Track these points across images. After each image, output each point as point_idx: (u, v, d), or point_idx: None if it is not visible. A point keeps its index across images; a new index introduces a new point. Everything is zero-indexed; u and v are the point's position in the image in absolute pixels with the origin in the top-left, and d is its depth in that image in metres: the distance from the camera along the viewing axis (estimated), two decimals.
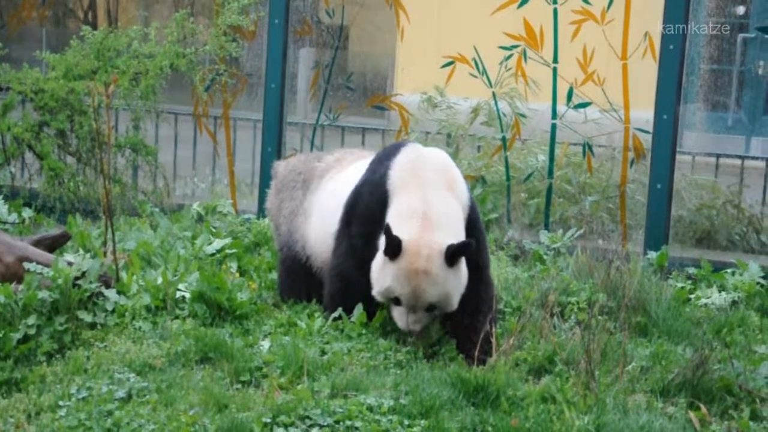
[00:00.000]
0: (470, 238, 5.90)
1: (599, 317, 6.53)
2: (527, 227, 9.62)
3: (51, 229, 8.72)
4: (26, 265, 7.05)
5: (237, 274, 7.89)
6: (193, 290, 7.10)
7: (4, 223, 8.84)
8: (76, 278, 6.95)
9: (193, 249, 8.29)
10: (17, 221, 9.14)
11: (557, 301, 6.96)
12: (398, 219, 5.90)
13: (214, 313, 6.98)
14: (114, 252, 7.53)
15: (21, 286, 6.87)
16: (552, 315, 6.77)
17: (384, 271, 5.90)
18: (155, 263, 8.03)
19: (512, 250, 8.80)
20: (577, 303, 6.98)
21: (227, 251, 8.30)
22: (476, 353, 5.91)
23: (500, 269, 7.88)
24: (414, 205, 5.90)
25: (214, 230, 8.92)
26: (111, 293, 7.03)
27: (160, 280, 7.23)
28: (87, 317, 6.80)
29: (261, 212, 9.89)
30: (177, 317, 6.91)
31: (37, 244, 7.69)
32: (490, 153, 10.13)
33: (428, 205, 5.90)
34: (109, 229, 7.74)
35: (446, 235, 5.84)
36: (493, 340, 6.02)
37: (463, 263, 5.89)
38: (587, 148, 9.63)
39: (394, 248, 5.78)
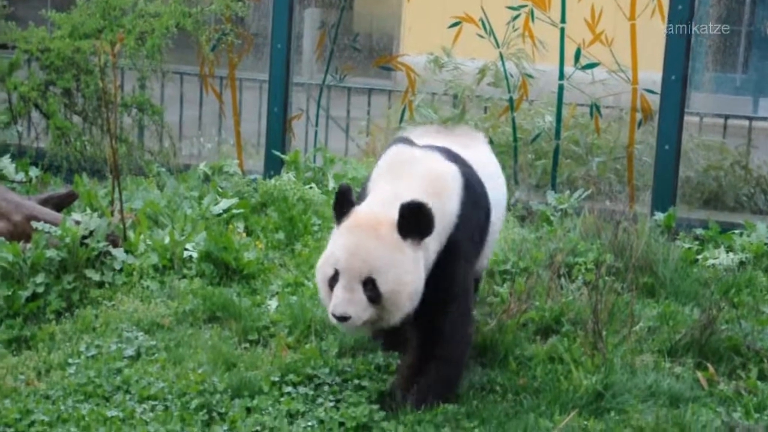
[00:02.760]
0: (447, 262, 4.86)
1: (606, 278, 6.54)
2: (534, 188, 9.60)
3: (58, 188, 8.72)
4: (34, 223, 7.06)
5: (244, 234, 7.89)
6: (201, 250, 7.11)
7: (12, 182, 8.84)
8: (84, 237, 6.96)
9: (200, 209, 8.29)
10: (24, 180, 9.14)
11: (564, 261, 6.97)
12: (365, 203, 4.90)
13: (221, 273, 6.99)
14: (121, 211, 7.53)
15: (29, 245, 6.88)
16: (559, 276, 6.78)
17: (330, 241, 4.90)
18: (162, 223, 8.02)
19: (519, 211, 8.78)
20: (585, 264, 6.98)
21: (234, 211, 8.29)
22: (411, 397, 4.95)
23: (507, 230, 7.87)
24: (385, 194, 4.82)
25: (220, 190, 8.92)
26: (118, 252, 7.04)
27: (167, 240, 7.23)
28: (95, 276, 6.81)
29: (267, 172, 9.88)
30: (184, 277, 6.93)
31: (44, 203, 7.69)
32: (497, 114, 10.09)
33: (399, 197, 4.71)
34: (116, 189, 7.74)
35: None
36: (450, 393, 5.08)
37: (421, 252, 4.68)
38: (595, 108, 9.59)
39: (342, 207, 4.78)
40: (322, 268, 4.73)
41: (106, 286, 6.78)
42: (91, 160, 9.16)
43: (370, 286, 4.52)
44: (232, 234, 7.48)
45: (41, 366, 5.60)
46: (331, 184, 9.14)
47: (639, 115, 9.36)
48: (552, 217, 8.48)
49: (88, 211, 7.79)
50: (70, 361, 5.60)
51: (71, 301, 6.58)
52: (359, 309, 4.53)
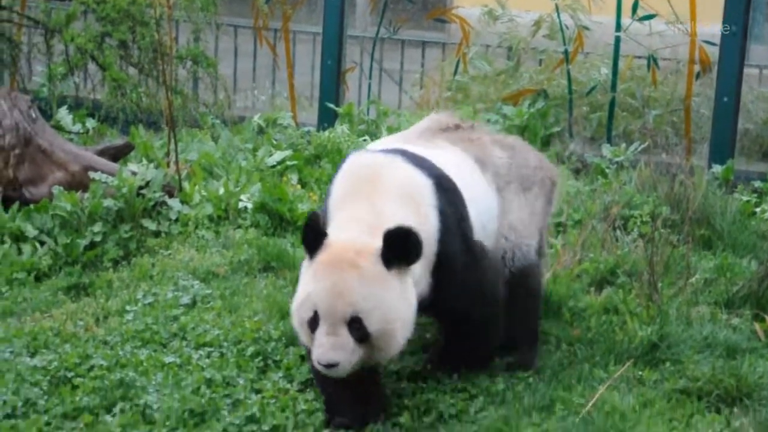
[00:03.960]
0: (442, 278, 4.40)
1: (662, 230, 6.47)
2: (589, 141, 9.53)
3: (114, 139, 8.80)
4: (91, 174, 7.14)
5: (298, 186, 7.92)
6: (255, 201, 7.15)
7: (69, 133, 8.93)
8: (140, 187, 7.03)
9: (254, 160, 8.32)
10: (81, 131, 9.23)
11: (619, 214, 6.92)
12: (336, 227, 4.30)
13: (275, 224, 7.04)
14: (177, 162, 7.59)
15: (86, 195, 6.96)
16: (614, 228, 6.74)
17: (302, 278, 4.29)
18: (217, 174, 8.07)
19: (574, 163, 8.73)
20: (640, 216, 6.92)
21: (288, 163, 8.32)
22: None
23: (562, 183, 7.82)
24: (357, 216, 4.26)
25: (274, 142, 8.94)
26: (174, 202, 7.11)
27: (222, 191, 7.28)
28: (151, 225, 6.89)
29: (320, 125, 9.89)
30: (239, 227, 6.97)
31: (101, 153, 7.76)
32: (552, 66, 10.00)
33: (378, 216, 4.21)
34: (172, 140, 7.80)
35: None
36: None
37: (408, 278, 4.16)
38: (652, 61, 9.48)
39: (313, 238, 4.19)
40: (299, 312, 4.17)
41: (162, 235, 6.85)
42: (147, 111, 9.19)
43: (356, 326, 3.98)
44: (286, 185, 7.51)
45: (99, 312, 5.68)
46: (385, 137, 9.11)
47: (697, 67, 9.24)
48: (607, 170, 8.42)
49: (144, 162, 7.85)
50: (127, 308, 5.67)
51: (128, 249, 6.66)
52: (347, 353, 3.98)
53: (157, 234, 6.84)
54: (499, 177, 4.88)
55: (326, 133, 8.93)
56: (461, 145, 4.88)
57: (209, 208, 7.07)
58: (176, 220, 6.97)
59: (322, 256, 4.09)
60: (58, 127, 8.75)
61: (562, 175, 7.34)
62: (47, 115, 8.77)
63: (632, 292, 5.73)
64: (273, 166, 8.25)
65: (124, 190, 6.87)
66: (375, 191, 4.23)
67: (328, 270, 4.04)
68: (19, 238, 6.69)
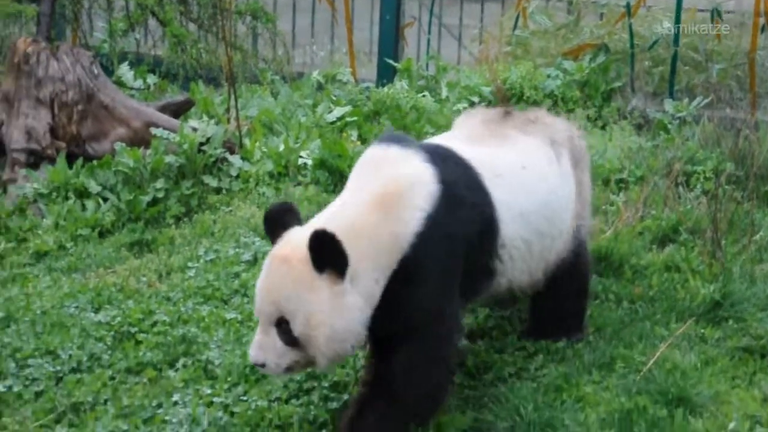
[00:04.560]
0: (401, 289, 3.89)
1: (726, 186, 6.39)
2: (651, 96, 9.39)
3: (175, 95, 8.84)
4: (153, 130, 7.19)
5: (357, 142, 7.91)
6: (315, 157, 7.16)
7: (130, 89, 8.99)
8: (201, 144, 7.07)
9: (314, 117, 8.33)
10: (142, 87, 9.29)
11: (682, 170, 6.83)
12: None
13: (335, 180, 7.04)
14: (237, 119, 7.61)
15: (148, 151, 7.02)
16: (677, 184, 6.66)
17: None
18: (277, 130, 8.09)
19: (636, 119, 8.63)
20: (704, 172, 6.83)
21: (347, 119, 8.31)
22: None
23: (624, 138, 7.76)
24: (329, 211, 4.01)
25: (334, 98, 8.93)
26: (235, 159, 7.14)
27: (282, 147, 7.30)
28: (212, 182, 6.93)
29: (379, 80, 9.86)
30: (299, 184, 7.00)
31: (162, 109, 7.82)
32: (613, 20, 9.86)
33: (337, 214, 3.95)
34: (232, 96, 7.82)
35: (351, 248, 3.76)
36: None
37: (346, 285, 3.77)
38: (715, 14, 9.30)
39: (270, 229, 4.02)
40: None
41: (223, 192, 6.89)
42: (207, 67, 9.24)
43: (284, 327, 3.77)
44: (345, 142, 7.51)
45: (162, 269, 5.74)
46: (444, 93, 9.08)
47: (762, 20, 9.06)
48: (669, 126, 8.30)
49: (205, 118, 7.88)
50: (189, 264, 5.73)
51: (190, 206, 6.72)
52: (274, 356, 3.79)
53: (218, 190, 6.89)
54: (572, 158, 4.70)
55: (385, 89, 8.89)
56: (530, 129, 4.60)
57: (269, 164, 7.10)
58: (237, 177, 7.00)
59: (273, 249, 3.91)
60: (120, 83, 8.82)
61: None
62: (108, 71, 8.83)
63: (695, 250, 5.68)
64: (332, 123, 8.25)
65: (186, 146, 6.91)
66: (360, 187, 3.99)
67: (265, 266, 3.88)
68: (82, 194, 6.78)
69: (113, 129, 7.49)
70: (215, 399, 4.20)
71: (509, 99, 8.89)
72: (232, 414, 4.15)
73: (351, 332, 3.78)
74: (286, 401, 4.23)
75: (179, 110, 8.00)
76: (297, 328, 3.73)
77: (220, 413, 4.14)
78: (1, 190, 7.29)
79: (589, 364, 4.47)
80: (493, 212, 4.13)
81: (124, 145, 7.10)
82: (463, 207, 4.02)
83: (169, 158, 6.87)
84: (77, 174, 6.93)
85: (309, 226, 3.85)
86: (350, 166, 6.83)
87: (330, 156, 7.06)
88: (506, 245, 4.19)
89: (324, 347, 3.75)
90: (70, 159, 7.21)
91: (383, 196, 3.88)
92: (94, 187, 6.77)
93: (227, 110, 8.04)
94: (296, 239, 3.79)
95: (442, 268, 3.96)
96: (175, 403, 4.22)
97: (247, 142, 7.40)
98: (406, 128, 7.86)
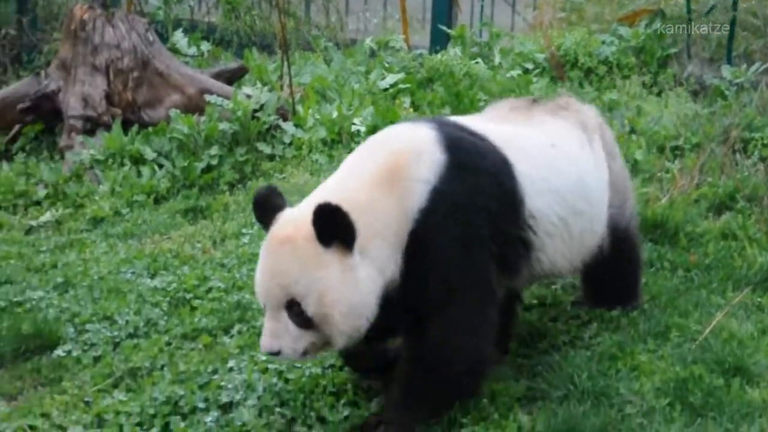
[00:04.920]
0: (420, 262, 3.75)
1: None
2: (708, 62, 9.25)
3: (229, 62, 8.87)
4: (207, 97, 7.23)
5: (410, 109, 7.89)
6: (368, 124, 7.16)
7: (184, 55, 9.03)
8: (255, 111, 7.09)
9: (367, 83, 8.32)
10: (196, 54, 9.33)
11: (739, 137, 6.74)
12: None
13: None
14: (290, 85, 7.63)
15: (203, 118, 7.06)
16: (734, 151, 6.58)
17: None
18: (330, 97, 8.09)
19: (692, 85, 8.51)
20: (761, 139, 6.73)
21: (400, 86, 8.29)
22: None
23: (679, 105, 7.66)
24: (326, 188, 3.81)
25: (387, 65, 8.91)
26: (288, 126, 7.16)
27: (335, 114, 7.30)
28: (266, 149, 6.96)
29: (433, 47, 9.81)
30: (352, 150, 6.98)
31: (216, 76, 7.85)
32: None
33: (338, 187, 3.77)
34: (285, 63, 7.83)
35: (358, 221, 3.62)
36: None
37: (356, 258, 3.63)
38: None
39: (262, 213, 3.81)
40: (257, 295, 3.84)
41: (277, 159, 6.91)
42: (261, 34, 9.27)
43: (296, 310, 3.60)
44: (398, 109, 7.50)
45: (216, 235, 5.78)
46: (497, 59, 9.03)
47: None
48: (727, 92, 8.18)
49: (258, 85, 7.91)
50: (243, 231, 5.76)
51: (244, 173, 6.75)
52: (289, 341, 3.63)
53: (271, 157, 6.91)
54: (605, 145, 4.50)
55: (438, 55, 8.86)
56: (562, 114, 4.43)
57: (322, 131, 7.11)
58: (290, 144, 7.02)
59: (271, 231, 3.70)
60: (174, 50, 8.86)
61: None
62: (163, 38, 8.88)
63: (752, 218, 5.61)
64: (385, 89, 8.23)
65: (239, 113, 6.94)
66: (363, 161, 3.81)
67: (266, 249, 3.68)
68: (138, 160, 6.84)
69: (168, 96, 7.55)
70: (270, 366, 4.22)
71: (563, 66, 8.82)
72: (286, 381, 4.17)
73: (367, 306, 3.63)
74: (340, 368, 4.24)
75: (233, 77, 8.04)
76: (310, 308, 3.57)
77: (275, 379, 4.17)
78: (58, 156, 7.38)
79: (644, 332, 4.44)
80: (513, 182, 3.93)
81: (178, 111, 7.15)
82: (475, 174, 3.83)
83: (223, 125, 6.91)
84: (132, 141, 6.99)
85: (305, 204, 3.70)
86: None
87: (383, 123, 7.05)
88: (537, 218, 3.99)
89: (342, 324, 3.60)
90: (126, 126, 7.28)
91: (388, 170, 3.71)
92: (149, 154, 6.83)
93: (280, 77, 8.06)
94: (295, 218, 3.63)
95: (458, 238, 3.78)
96: (231, 369, 4.25)
97: (300, 109, 7.41)
98: (459, 95, 7.82)
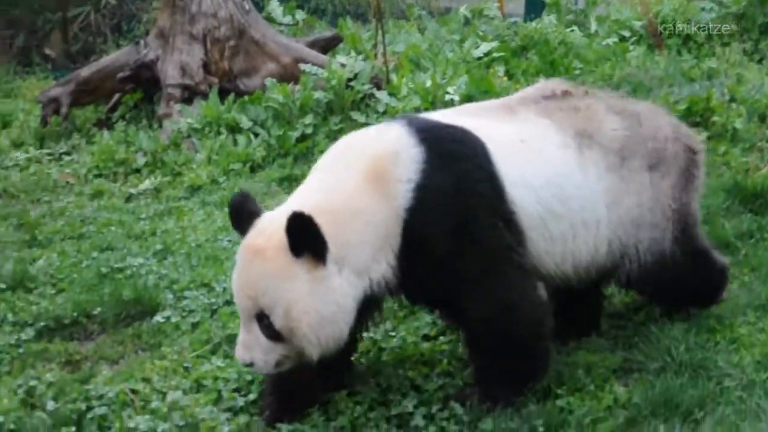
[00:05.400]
0: (414, 264, 3.66)
1: None
2: None
3: (323, 31, 8.91)
4: (302, 66, 7.26)
5: (505, 78, 7.85)
6: (462, 93, 7.13)
7: (279, 24, 9.09)
8: (349, 80, 7.11)
9: (461, 52, 8.28)
10: (291, 23, 9.38)
11: None
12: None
13: None
14: (384, 54, 7.62)
15: (297, 87, 7.10)
16: None
17: None
18: (424, 66, 8.08)
19: None
20: None
21: (494, 55, 8.25)
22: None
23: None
24: (306, 188, 3.75)
25: (481, 34, 8.86)
26: (382, 95, 7.16)
27: (429, 83, 7.28)
28: (360, 118, 6.97)
29: (527, 15, 9.74)
30: None
31: (311, 45, 7.89)
32: None
33: (317, 192, 3.68)
34: (380, 32, 7.83)
35: (336, 227, 3.54)
36: None
37: (331, 268, 3.53)
38: None
39: (238, 219, 3.72)
40: None
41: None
42: (355, 3, 9.31)
43: (265, 322, 3.51)
44: (493, 77, 7.46)
45: None
46: (593, 27, 8.92)
47: None
48: None
49: (353, 54, 7.93)
50: None
51: None
52: (260, 353, 3.54)
53: (365, 126, 6.92)
54: (611, 153, 4.04)
55: (533, 23, 8.80)
56: (558, 115, 4.07)
57: (416, 100, 7.10)
58: (384, 113, 7.03)
59: (244, 239, 3.61)
60: (269, 19, 8.92)
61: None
62: (259, 7, 8.95)
63: None
64: (479, 58, 8.20)
65: (334, 82, 6.97)
66: (340, 165, 3.69)
67: (238, 258, 3.59)
68: (234, 129, 6.91)
69: (263, 65, 7.61)
70: (364, 334, 4.24)
71: (661, 33, 8.68)
72: (380, 349, 4.20)
73: (342, 315, 3.52)
74: (435, 338, 4.25)
75: (327, 46, 8.07)
76: (277, 321, 3.48)
77: (369, 348, 4.20)
78: (156, 125, 7.50)
79: (743, 305, 4.36)
80: (492, 168, 3.75)
81: (274, 80, 7.20)
82: (456, 162, 3.70)
83: (318, 94, 6.94)
84: (229, 109, 7.06)
85: (280, 211, 3.60)
86: None
87: (477, 92, 7.03)
88: (518, 207, 3.77)
89: (311, 336, 3.49)
90: (222, 94, 7.36)
91: (372, 171, 3.60)
92: (245, 123, 6.90)
93: (374, 46, 8.07)
94: (268, 227, 3.54)
95: (454, 226, 3.66)
96: None
97: (394, 77, 7.41)
98: (554, 64, 7.76)
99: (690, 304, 4.32)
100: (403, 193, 3.58)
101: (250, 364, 3.56)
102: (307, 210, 3.44)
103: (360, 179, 3.58)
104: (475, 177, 3.70)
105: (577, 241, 3.90)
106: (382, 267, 3.61)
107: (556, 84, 4.27)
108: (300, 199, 3.61)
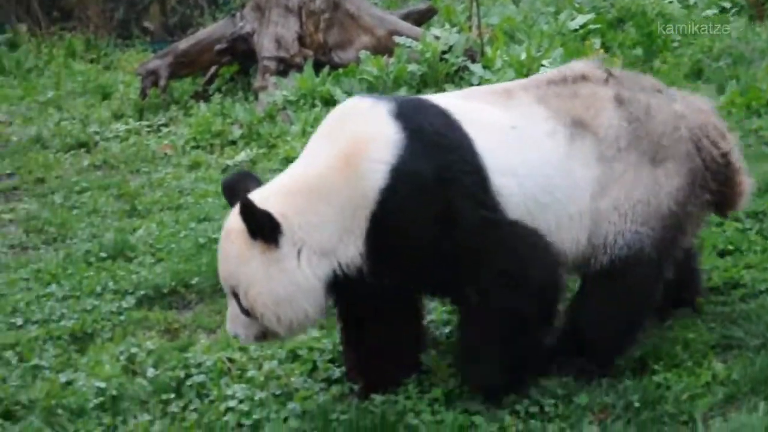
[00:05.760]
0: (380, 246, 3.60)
1: None
2: None
3: (417, 3, 8.89)
4: (396, 38, 7.27)
5: (601, 50, 7.75)
6: (557, 65, 6.99)
7: None
8: (443, 52, 7.10)
9: (556, 24, 8.21)
10: None
11: None
12: None
13: None
14: (479, 27, 7.59)
15: (391, 59, 7.11)
16: None
17: None
18: (518, 39, 8.03)
19: None
20: None
21: (590, 27, 8.16)
22: None
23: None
24: (290, 169, 3.76)
25: (577, 5, 8.77)
26: (476, 67, 7.13)
27: (523, 56, 7.23)
28: (453, 90, 6.95)
29: None
30: None
31: (405, 18, 7.88)
32: None
33: (289, 174, 3.70)
34: (474, 4, 7.80)
35: (297, 208, 3.58)
36: None
37: (286, 250, 3.57)
38: None
39: (229, 199, 3.80)
40: None
41: None
42: None
43: (238, 299, 3.63)
44: (588, 50, 7.37)
45: None
46: None
47: None
48: None
49: (447, 26, 7.91)
50: None
51: None
52: (241, 326, 3.66)
53: None
54: (604, 144, 3.81)
55: None
56: (554, 102, 3.87)
57: (511, 73, 7.05)
58: (478, 85, 6.99)
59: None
60: None
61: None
62: None
63: None
64: (575, 30, 8.11)
65: (428, 54, 6.97)
66: (322, 143, 3.68)
67: (221, 236, 3.70)
68: (328, 101, 6.95)
69: (358, 37, 7.63)
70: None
71: (763, 4, 8.50)
72: None
73: (300, 296, 3.56)
74: None
75: (421, 18, 8.05)
76: (242, 301, 3.60)
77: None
78: (252, 97, 7.57)
79: None
80: (476, 158, 3.64)
81: (368, 53, 7.22)
82: (438, 150, 3.61)
83: (412, 67, 6.94)
84: (323, 82, 7.10)
85: (261, 191, 3.63)
86: None
87: None
88: (504, 196, 3.65)
89: (269, 316, 3.56)
90: (317, 67, 7.39)
91: (345, 151, 3.57)
92: (339, 95, 6.92)
93: (469, 18, 8.03)
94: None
95: (427, 216, 3.58)
96: None
97: (488, 50, 7.38)
98: (652, 36, 7.64)
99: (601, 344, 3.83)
100: (378, 175, 3.52)
101: (236, 337, 3.69)
102: (274, 192, 3.56)
103: (334, 159, 3.57)
104: (456, 168, 3.61)
105: (561, 233, 3.75)
106: (350, 249, 3.59)
107: (580, 66, 4.04)
108: (281, 177, 3.68)
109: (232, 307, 3.65)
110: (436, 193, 3.57)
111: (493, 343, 3.64)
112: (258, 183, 3.74)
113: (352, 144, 3.57)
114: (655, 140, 3.84)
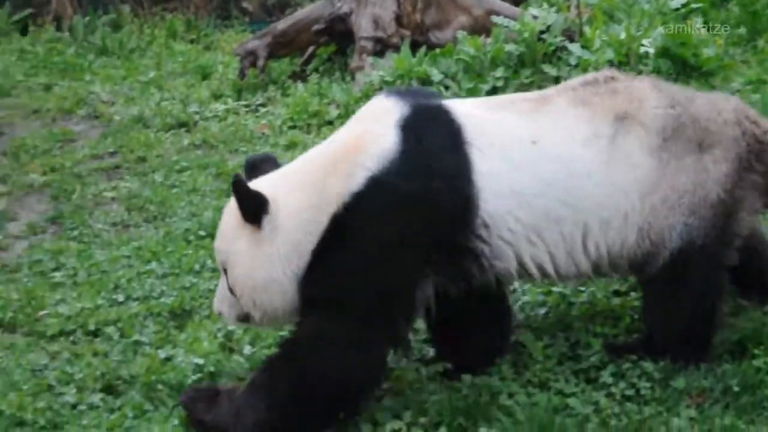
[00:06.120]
0: (331, 248, 3.51)
1: None
2: None
3: None
4: (494, 18, 7.23)
5: (703, 30, 7.61)
6: (658, 45, 6.96)
7: None
8: (541, 32, 7.05)
9: (657, 3, 8.07)
10: None
11: None
12: None
13: (678, 69, 6.84)
14: (578, 6, 7.51)
15: (489, 39, 7.08)
16: None
17: None
18: (618, 18, 7.91)
19: None
20: None
21: (692, 5, 8.00)
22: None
23: None
24: (298, 161, 3.77)
25: None
26: (575, 47, 7.06)
27: (623, 35, 7.13)
28: (551, 71, 6.90)
29: None
30: (640, 72, 6.83)
31: None
32: None
33: (311, 153, 3.75)
34: None
35: (284, 193, 3.57)
36: None
37: (266, 237, 3.52)
38: None
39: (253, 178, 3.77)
40: None
41: (562, 81, 6.83)
42: None
43: (228, 277, 3.65)
44: (690, 29, 7.24)
45: None
46: None
47: None
48: None
49: (545, 5, 7.84)
50: None
51: None
52: (227, 305, 3.68)
53: (556, 80, 6.83)
54: (652, 132, 3.72)
55: None
56: (595, 101, 3.76)
57: (610, 53, 6.97)
58: (576, 66, 6.94)
59: None
60: None
61: None
62: None
63: None
64: (676, 9, 7.97)
65: (526, 34, 6.92)
66: (337, 135, 3.70)
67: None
68: (425, 82, 6.95)
69: (455, 17, 7.62)
70: (554, 289, 4.24)
71: None
72: (570, 304, 4.19)
73: (272, 285, 3.52)
74: (626, 293, 4.21)
75: None
76: (229, 279, 3.61)
77: (559, 303, 4.20)
78: (349, 77, 7.61)
79: None
80: (468, 186, 3.54)
81: (465, 33, 7.20)
82: (425, 176, 3.51)
83: (509, 47, 6.90)
84: (420, 62, 7.10)
85: (274, 173, 3.70)
86: (695, 55, 6.65)
87: (673, 44, 6.85)
88: (491, 226, 3.57)
89: (247, 299, 3.57)
90: (414, 47, 7.40)
91: (341, 149, 3.56)
92: (436, 75, 6.92)
93: None
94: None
95: (384, 236, 3.49)
96: (514, 290, 4.29)
97: (587, 30, 7.29)
98: (757, 14, 7.48)
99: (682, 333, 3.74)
100: (355, 179, 3.47)
101: (220, 314, 3.74)
102: (279, 174, 3.64)
103: (331, 154, 3.57)
104: (442, 196, 3.52)
105: (589, 240, 3.66)
106: (309, 246, 3.52)
107: (603, 71, 3.98)
108: (294, 162, 3.73)
109: (222, 284, 3.69)
110: (398, 219, 3.49)
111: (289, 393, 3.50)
112: (277, 166, 3.78)
113: (351, 143, 3.56)
114: (702, 126, 3.76)
